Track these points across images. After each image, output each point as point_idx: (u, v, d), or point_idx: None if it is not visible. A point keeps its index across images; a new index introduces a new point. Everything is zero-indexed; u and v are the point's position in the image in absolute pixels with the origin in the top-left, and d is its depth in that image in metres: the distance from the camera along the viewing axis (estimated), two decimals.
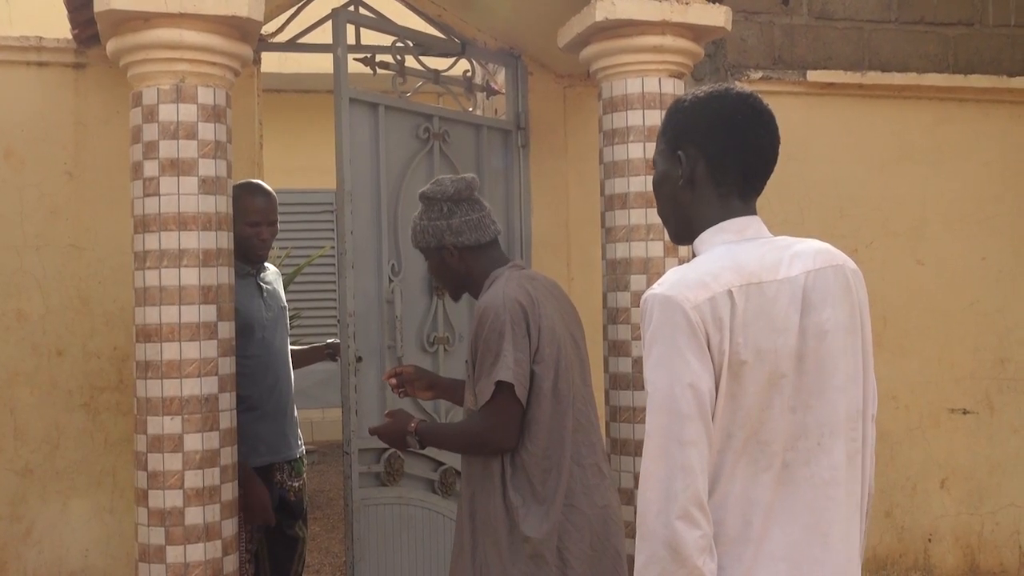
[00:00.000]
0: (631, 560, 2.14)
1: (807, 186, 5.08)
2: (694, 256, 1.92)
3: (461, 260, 2.98)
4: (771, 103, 1.98)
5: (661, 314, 1.76)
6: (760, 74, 5.13)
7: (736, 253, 1.84)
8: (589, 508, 2.82)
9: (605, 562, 2.82)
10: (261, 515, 3.71)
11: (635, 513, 1.77)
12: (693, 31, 3.85)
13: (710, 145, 1.90)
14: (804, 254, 1.86)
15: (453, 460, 4.06)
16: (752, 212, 1.93)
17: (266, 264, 3.99)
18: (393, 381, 3.21)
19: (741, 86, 1.96)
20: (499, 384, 2.75)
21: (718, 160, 1.90)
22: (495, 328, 2.77)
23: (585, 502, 2.82)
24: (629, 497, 3.66)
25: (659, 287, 1.79)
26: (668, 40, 3.80)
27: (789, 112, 4.98)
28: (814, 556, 1.79)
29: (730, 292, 1.76)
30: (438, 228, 2.96)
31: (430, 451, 4.11)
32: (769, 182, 1.98)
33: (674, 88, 3.84)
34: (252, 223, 3.77)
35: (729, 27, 3.90)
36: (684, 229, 1.96)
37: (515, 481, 2.81)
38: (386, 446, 3.96)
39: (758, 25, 5.31)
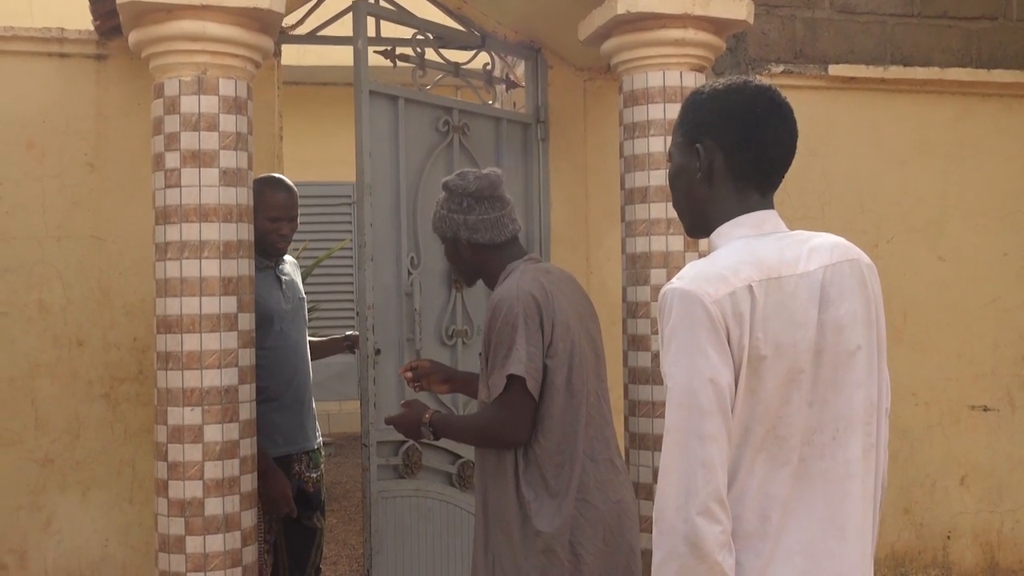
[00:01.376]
0: (646, 555, 2.13)
1: (828, 181, 5.06)
2: (711, 250, 1.91)
3: (474, 255, 2.98)
4: (792, 97, 1.97)
5: (681, 308, 1.75)
6: (781, 68, 5.10)
7: (755, 247, 1.83)
8: (603, 503, 2.81)
9: (618, 557, 2.81)
10: (284, 506, 3.71)
11: (653, 508, 1.76)
12: (715, 24, 3.83)
13: (728, 138, 1.89)
14: (821, 248, 1.86)
15: (471, 453, 4.06)
16: (770, 206, 1.92)
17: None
18: (409, 375, 3.22)
19: (759, 79, 1.95)
20: (511, 378, 2.75)
21: (736, 153, 1.89)
22: (508, 321, 2.77)
23: (599, 497, 2.81)
24: (647, 492, 3.66)
25: (678, 281, 1.78)
26: (690, 33, 3.78)
27: (810, 106, 4.99)
28: (830, 550, 1.79)
29: (750, 287, 1.75)
30: (454, 221, 2.95)
31: (448, 444, 4.12)
32: (789, 176, 1.97)
33: (695, 82, 3.82)
34: (273, 218, 3.77)
35: (751, 20, 3.88)
36: (700, 223, 1.96)
37: (528, 475, 2.81)
38: (404, 438, 3.97)
39: (780, 19, 5.28)
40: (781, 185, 1.97)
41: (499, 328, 2.79)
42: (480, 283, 3.12)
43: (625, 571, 2.81)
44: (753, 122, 1.88)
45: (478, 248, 2.96)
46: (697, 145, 1.91)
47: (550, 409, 2.80)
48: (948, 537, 5.22)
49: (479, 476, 2.96)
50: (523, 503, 2.80)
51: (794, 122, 1.92)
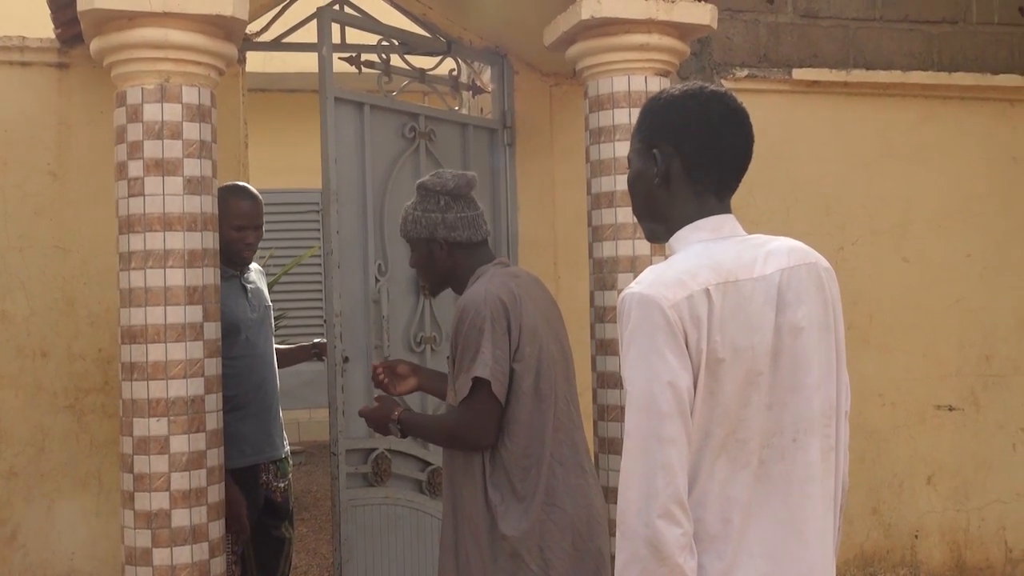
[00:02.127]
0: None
1: (792, 184, 5.09)
2: (670, 254, 1.92)
3: (449, 255, 2.96)
4: (756, 101, 2.00)
5: (639, 313, 1.76)
6: (746, 72, 5.14)
7: (713, 251, 1.85)
8: (572, 508, 2.81)
9: (587, 562, 2.81)
10: (234, 524, 3.64)
11: (616, 512, 1.77)
12: (679, 29, 3.85)
13: (685, 143, 1.90)
14: (778, 252, 1.87)
15: (441, 460, 4.05)
16: (727, 210, 1.94)
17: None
18: (379, 366, 3.21)
19: (716, 85, 1.97)
20: (476, 381, 2.75)
21: (694, 158, 1.90)
22: (475, 324, 2.77)
23: (568, 502, 2.81)
24: (616, 496, 3.65)
25: (637, 286, 1.80)
26: (654, 38, 3.80)
27: (774, 110, 5.03)
28: (791, 552, 1.81)
29: (707, 290, 1.77)
30: (432, 220, 2.93)
31: (417, 451, 4.11)
32: (754, 180, 1.98)
33: (660, 86, 3.84)
34: (238, 227, 3.74)
35: (715, 25, 3.90)
36: (659, 227, 1.97)
37: (494, 479, 2.81)
38: (373, 447, 3.97)
39: (744, 23, 5.31)
40: (746, 188, 1.98)
41: (466, 331, 2.78)
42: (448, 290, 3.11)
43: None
44: (710, 127, 1.90)
45: (455, 248, 2.94)
46: (654, 150, 1.92)
47: (517, 413, 2.80)
48: (916, 536, 5.26)
49: (448, 479, 2.95)
50: (490, 506, 2.80)
51: (751, 127, 1.93)
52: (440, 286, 3.07)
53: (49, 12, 3.89)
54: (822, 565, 1.85)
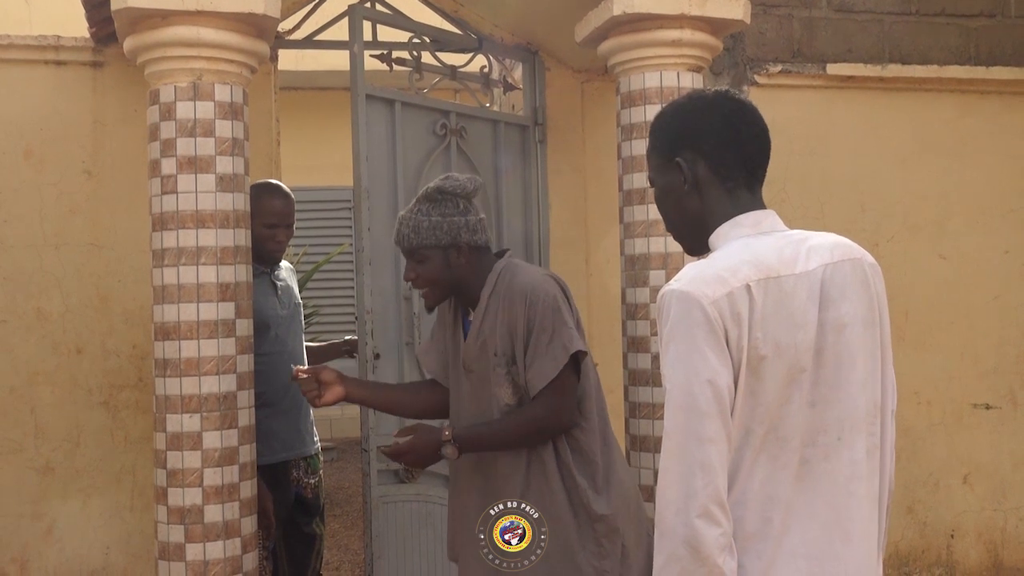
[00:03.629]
0: None
1: (827, 180, 5.04)
2: (711, 250, 1.90)
3: (467, 260, 2.81)
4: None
5: (679, 310, 1.74)
6: (779, 67, 5.08)
7: (753, 247, 1.82)
8: (628, 483, 2.83)
9: (643, 534, 2.80)
10: (263, 519, 3.64)
11: (655, 511, 1.76)
12: (711, 24, 3.82)
13: (706, 144, 1.89)
14: (821, 247, 1.85)
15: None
16: (761, 204, 1.92)
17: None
18: (302, 374, 2.96)
19: (715, 88, 1.97)
20: (572, 356, 2.68)
21: (718, 156, 1.89)
22: (548, 304, 2.70)
23: (626, 478, 2.83)
24: (649, 494, 3.63)
25: (676, 283, 1.77)
26: (686, 34, 3.77)
27: (809, 106, 4.98)
28: (835, 552, 1.78)
29: (748, 287, 1.75)
30: (454, 224, 2.78)
31: None
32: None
33: (692, 82, 3.81)
34: (269, 225, 3.75)
35: (748, 20, 3.87)
36: (698, 236, 1.94)
37: (576, 461, 2.74)
38: None
39: (777, 18, 5.26)
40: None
41: (540, 315, 2.69)
42: None
43: (648, 548, 2.71)
44: (725, 122, 1.89)
45: (473, 251, 2.82)
46: (677, 159, 1.91)
47: (588, 389, 2.78)
48: (952, 536, 5.20)
49: (505, 480, 2.79)
50: (576, 492, 2.72)
51: (762, 118, 1.93)
52: (446, 296, 2.89)
53: (83, 11, 3.92)
54: (867, 567, 1.82)
